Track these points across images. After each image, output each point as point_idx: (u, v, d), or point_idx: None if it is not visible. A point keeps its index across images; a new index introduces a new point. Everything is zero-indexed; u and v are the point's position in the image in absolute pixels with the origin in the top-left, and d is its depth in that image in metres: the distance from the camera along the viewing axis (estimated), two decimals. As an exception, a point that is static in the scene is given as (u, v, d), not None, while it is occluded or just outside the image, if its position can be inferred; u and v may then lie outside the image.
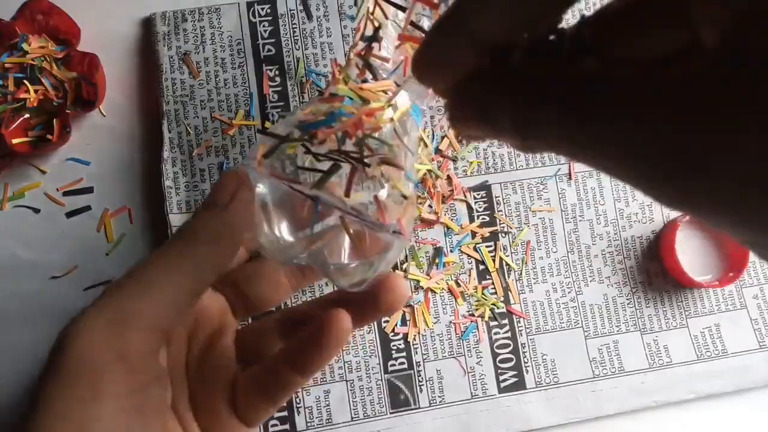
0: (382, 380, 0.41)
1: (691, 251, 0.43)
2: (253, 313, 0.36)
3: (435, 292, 0.42)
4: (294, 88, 0.43)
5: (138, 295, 0.25)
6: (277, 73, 0.43)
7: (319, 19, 0.43)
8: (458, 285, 0.42)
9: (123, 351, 0.24)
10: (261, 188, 0.29)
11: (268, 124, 0.42)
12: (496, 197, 0.43)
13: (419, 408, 0.41)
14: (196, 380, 0.32)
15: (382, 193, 0.27)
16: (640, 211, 0.44)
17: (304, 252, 0.29)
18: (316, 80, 0.42)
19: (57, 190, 0.41)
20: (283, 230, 0.29)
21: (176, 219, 0.40)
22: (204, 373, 0.33)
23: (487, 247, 0.42)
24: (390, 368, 0.41)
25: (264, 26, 0.43)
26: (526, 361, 0.42)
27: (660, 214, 0.44)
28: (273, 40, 0.43)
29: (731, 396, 0.43)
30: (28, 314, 0.40)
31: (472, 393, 0.41)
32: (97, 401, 0.24)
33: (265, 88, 0.42)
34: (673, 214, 0.44)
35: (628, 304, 0.43)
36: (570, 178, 0.44)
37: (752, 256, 0.43)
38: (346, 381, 0.40)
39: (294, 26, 0.43)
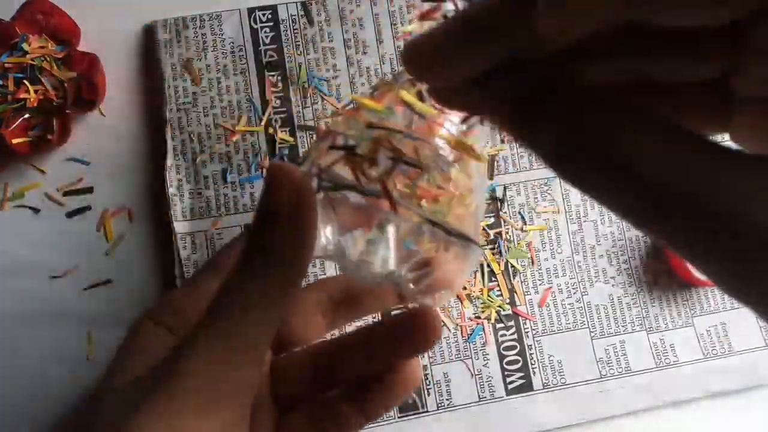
0: (389, 384, 0.41)
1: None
2: (282, 349, 0.34)
3: (441, 295, 0.42)
4: (296, 94, 0.43)
5: (249, 330, 0.25)
6: (279, 78, 0.43)
7: (320, 24, 0.43)
8: (464, 287, 0.42)
9: (233, 385, 0.25)
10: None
11: (277, 135, 0.42)
12: (499, 199, 0.43)
13: (427, 412, 0.41)
14: None
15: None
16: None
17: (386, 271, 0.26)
18: (318, 85, 0.43)
19: (57, 190, 0.41)
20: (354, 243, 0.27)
21: (181, 227, 0.40)
22: None
23: (491, 248, 0.42)
24: (397, 372, 0.41)
25: (265, 32, 0.43)
26: (533, 362, 0.42)
27: (664, 213, 0.44)
28: (274, 46, 0.43)
29: (739, 394, 0.43)
30: (28, 314, 0.40)
31: (479, 395, 0.41)
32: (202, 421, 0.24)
33: (268, 93, 0.42)
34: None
35: (633, 303, 0.43)
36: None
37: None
38: (354, 386, 0.40)
39: (295, 31, 0.43)
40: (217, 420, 0.24)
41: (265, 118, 0.42)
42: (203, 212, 0.41)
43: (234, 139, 0.42)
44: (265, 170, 0.41)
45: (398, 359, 0.32)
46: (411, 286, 0.27)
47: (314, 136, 0.42)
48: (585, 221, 0.43)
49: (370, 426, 0.40)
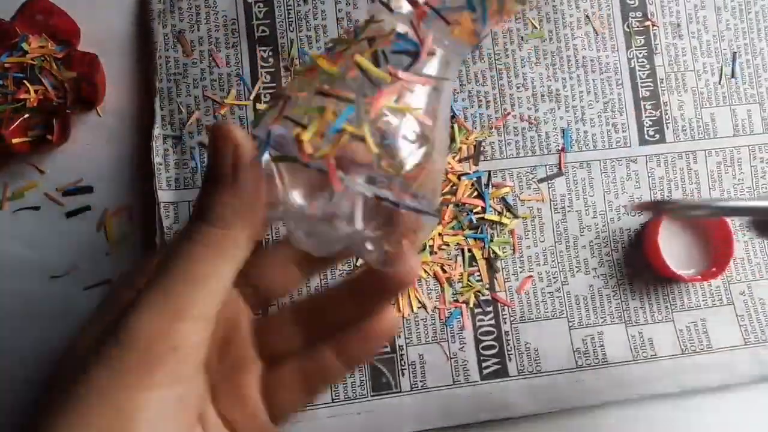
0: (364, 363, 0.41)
1: (675, 245, 0.43)
2: (262, 304, 0.35)
3: (421, 277, 0.42)
4: (287, 70, 0.43)
5: (186, 287, 0.25)
6: (270, 54, 0.43)
7: (314, 2, 0.43)
8: (444, 271, 0.42)
9: (175, 342, 0.25)
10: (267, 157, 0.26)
11: (261, 106, 0.42)
12: (485, 185, 0.43)
13: (401, 392, 0.41)
14: (218, 372, 0.32)
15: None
16: (629, 204, 0.44)
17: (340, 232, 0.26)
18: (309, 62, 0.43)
19: (57, 190, 0.41)
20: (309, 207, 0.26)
21: (165, 195, 0.41)
22: (226, 365, 0.32)
23: (474, 234, 0.42)
24: (372, 351, 0.41)
25: (259, 7, 0.43)
26: (509, 349, 0.42)
27: (650, 207, 0.44)
28: (267, 21, 0.43)
29: (715, 391, 0.43)
30: (28, 314, 0.40)
31: (454, 379, 0.41)
32: (146, 390, 0.24)
33: (258, 68, 0.42)
34: (663, 207, 0.44)
35: (613, 295, 0.43)
36: (560, 169, 0.43)
37: (737, 252, 0.43)
38: (328, 362, 0.41)
39: (289, 8, 0.43)
40: (163, 372, 0.25)
41: (254, 93, 0.42)
42: (188, 182, 0.41)
43: (222, 111, 0.42)
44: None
45: (376, 304, 0.33)
46: (370, 249, 0.26)
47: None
48: (569, 211, 0.43)
49: (342, 403, 0.40)
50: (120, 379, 0.24)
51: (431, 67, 0.27)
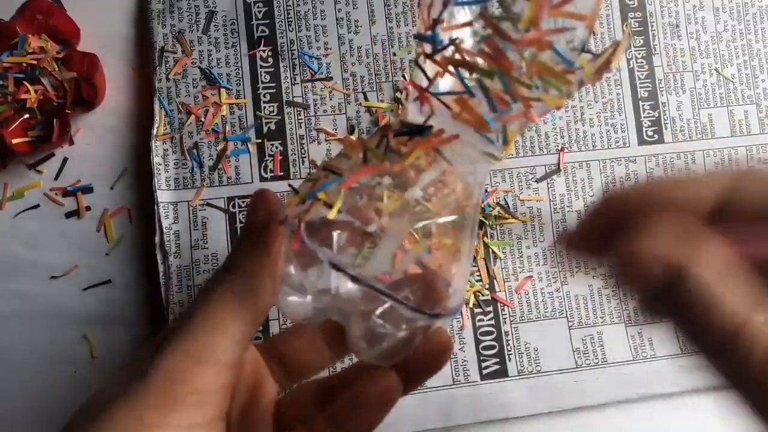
0: (363, 362, 0.41)
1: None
2: (292, 381, 0.34)
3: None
4: (286, 70, 0.43)
5: (209, 331, 0.26)
6: (269, 54, 0.43)
7: (313, 2, 0.43)
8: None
9: (195, 385, 0.25)
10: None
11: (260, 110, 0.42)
12: (485, 184, 0.43)
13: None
14: None
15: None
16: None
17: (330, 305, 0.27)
18: (308, 62, 0.43)
19: (56, 190, 0.41)
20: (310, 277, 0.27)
21: (164, 195, 0.41)
22: None
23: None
24: (372, 351, 0.41)
25: (258, 7, 0.43)
26: (509, 349, 0.42)
27: (649, 207, 0.44)
28: (267, 21, 0.43)
29: (715, 391, 0.43)
30: (28, 314, 0.40)
31: (454, 379, 0.41)
32: (163, 430, 0.25)
33: (257, 68, 0.42)
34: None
35: (613, 295, 0.43)
36: (559, 168, 0.44)
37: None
38: (328, 362, 0.41)
39: (288, 8, 0.43)
40: (183, 414, 0.25)
41: (253, 93, 0.42)
42: (187, 182, 0.41)
43: (222, 111, 0.42)
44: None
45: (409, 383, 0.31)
46: (355, 329, 0.27)
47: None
48: (569, 211, 0.43)
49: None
50: (142, 418, 0.24)
51: (454, 160, 0.27)
